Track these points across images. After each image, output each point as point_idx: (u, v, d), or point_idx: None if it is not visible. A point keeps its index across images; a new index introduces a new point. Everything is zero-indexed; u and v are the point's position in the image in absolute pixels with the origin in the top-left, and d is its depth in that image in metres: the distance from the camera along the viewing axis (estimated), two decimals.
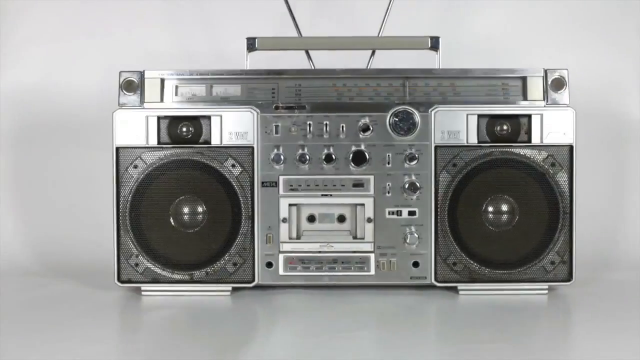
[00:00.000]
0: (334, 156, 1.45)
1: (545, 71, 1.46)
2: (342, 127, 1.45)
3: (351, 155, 1.45)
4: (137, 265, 1.45)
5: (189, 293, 1.45)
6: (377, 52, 1.57)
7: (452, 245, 1.45)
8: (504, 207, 1.45)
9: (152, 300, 1.44)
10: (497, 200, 1.45)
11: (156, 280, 1.45)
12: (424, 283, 1.46)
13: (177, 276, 1.45)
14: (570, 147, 1.45)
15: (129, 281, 1.45)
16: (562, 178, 1.44)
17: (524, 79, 1.47)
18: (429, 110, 1.45)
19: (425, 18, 1.76)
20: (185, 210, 1.44)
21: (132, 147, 1.44)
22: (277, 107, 1.45)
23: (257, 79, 1.46)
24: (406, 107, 1.45)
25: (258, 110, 1.45)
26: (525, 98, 1.47)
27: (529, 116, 1.45)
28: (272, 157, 1.45)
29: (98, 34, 1.85)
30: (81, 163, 1.81)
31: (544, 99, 1.46)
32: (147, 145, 1.44)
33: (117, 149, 1.44)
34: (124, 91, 1.45)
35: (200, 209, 1.44)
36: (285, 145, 1.45)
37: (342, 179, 1.46)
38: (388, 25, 1.59)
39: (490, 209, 1.45)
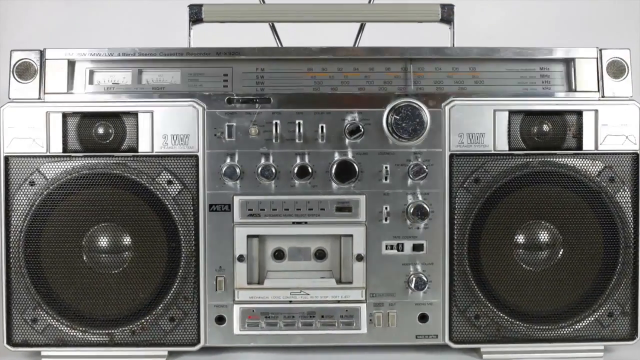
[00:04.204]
0: (309, 169, 1.31)
1: (600, 51, 1.32)
2: (322, 128, 1.32)
3: (334, 167, 1.31)
4: (35, 321, 1.31)
5: None
6: (369, 26, 1.45)
7: (474, 292, 1.32)
8: (544, 239, 1.32)
9: None
10: (535, 228, 1.32)
11: (62, 342, 1.31)
12: (435, 343, 1.34)
13: (91, 337, 1.31)
14: (635, 156, 1.31)
15: (25, 344, 1.31)
16: (623, 198, 1.31)
17: (569, 63, 1.32)
18: (442, 104, 1.32)
19: None
20: (104, 244, 1.30)
21: (27, 156, 1.30)
22: (230, 101, 1.32)
23: (203, 61, 1.34)
24: (410, 100, 1.31)
25: (204, 105, 1.31)
26: (572, 88, 1.33)
27: (579, 113, 1.31)
28: (223, 170, 1.30)
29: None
30: None
31: (598, 90, 1.33)
32: (48, 154, 1.30)
33: (7, 158, 1.29)
34: (17, 78, 1.29)
35: (124, 243, 1.31)
36: (242, 153, 1.32)
37: (322, 201, 1.32)
38: None
39: (526, 241, 1.31)
